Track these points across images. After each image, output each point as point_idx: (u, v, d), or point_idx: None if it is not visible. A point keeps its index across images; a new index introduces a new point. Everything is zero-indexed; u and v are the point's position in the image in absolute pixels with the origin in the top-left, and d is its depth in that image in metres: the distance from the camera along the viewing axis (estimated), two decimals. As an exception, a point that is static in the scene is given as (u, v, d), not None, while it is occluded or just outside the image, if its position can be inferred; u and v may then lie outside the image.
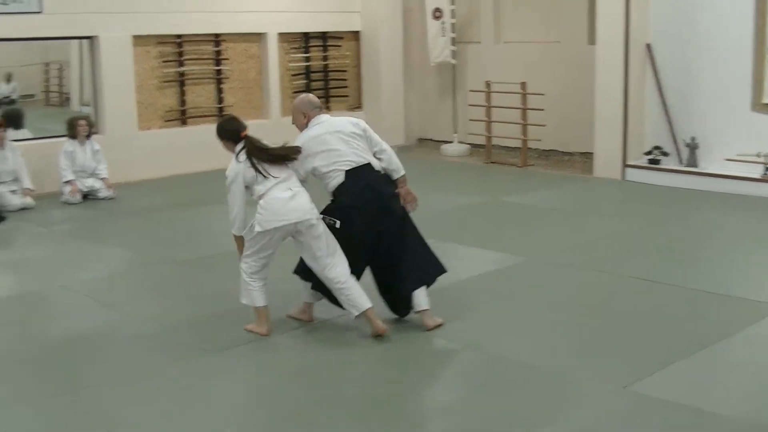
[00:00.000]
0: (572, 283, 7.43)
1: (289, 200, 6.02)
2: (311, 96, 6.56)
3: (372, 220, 6.20)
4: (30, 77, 18.53)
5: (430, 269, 6.48)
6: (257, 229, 6.01)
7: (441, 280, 6.68)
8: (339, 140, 6.24)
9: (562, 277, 7.56)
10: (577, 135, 12.99)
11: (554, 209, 10.26)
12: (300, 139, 6.34)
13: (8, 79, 17.87)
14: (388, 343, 6.04)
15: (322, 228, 6.11)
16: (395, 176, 6.44)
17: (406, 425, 4.86)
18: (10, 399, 5.28)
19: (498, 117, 13.43)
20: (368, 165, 6.27)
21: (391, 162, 6.43)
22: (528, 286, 7.35)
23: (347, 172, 6.20)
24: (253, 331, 6.26)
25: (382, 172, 6.37)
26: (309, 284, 6.39)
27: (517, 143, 13.32)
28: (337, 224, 6.16)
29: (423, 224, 9.08)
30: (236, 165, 6.13)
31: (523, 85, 12.97)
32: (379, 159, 6.36)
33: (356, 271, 6.23)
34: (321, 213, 6.25)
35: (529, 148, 13.33)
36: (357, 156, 6.23)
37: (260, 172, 6.06)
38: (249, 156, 6.11)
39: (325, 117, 6.42)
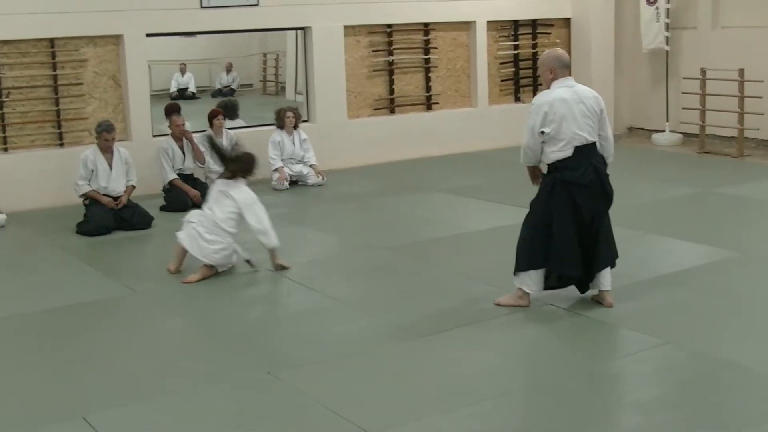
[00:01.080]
0: (788, 280, 7.06)
1: None
2: (561, 52, 6.50)
3: (591, 199, 6.29)
4: (249, 67, 19.37)
5: (615, 252, 6.61)
6: None
7: (648, 272, 6.55)
8: (581, 112, 6.23)
9: (777, 274, 7.19)
10: (799, 124, 12.30)
11: (772, 202, 9.76)
12: (547, 98, 6.27)
13: (229, 69, 18.72)
14: (581, 335, 5.93)
15: None
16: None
17: (603, 419, 4.75)
18: (217, 375, 5.54)
19: (713, 105, 12.90)
20: (594, 144, 6.32)
21: (606, 150, 6.46)
22: (740, 284, 7.03)
23: (576, 147, 6.22)
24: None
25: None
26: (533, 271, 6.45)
27: (733, 132, 12.75)
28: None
29: (632, 215, 8.88)
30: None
31: (741, 71, 12.39)
32: (599, 144, 6.39)
33: (567, 248, 6.30)
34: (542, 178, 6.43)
35: (746, 138, 12.73)
36: (589, 134, 6.27)
37: None
38: None
39: (572, 81, 6.36)
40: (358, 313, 6.65)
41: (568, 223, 6.30)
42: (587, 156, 6.28)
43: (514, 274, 6.53)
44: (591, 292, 6.60)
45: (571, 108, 6.19)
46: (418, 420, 4.84)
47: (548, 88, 6.37)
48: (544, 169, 6.50)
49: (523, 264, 6.47)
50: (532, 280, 6.47)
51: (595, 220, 6.36)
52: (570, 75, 6.38)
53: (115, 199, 9.47)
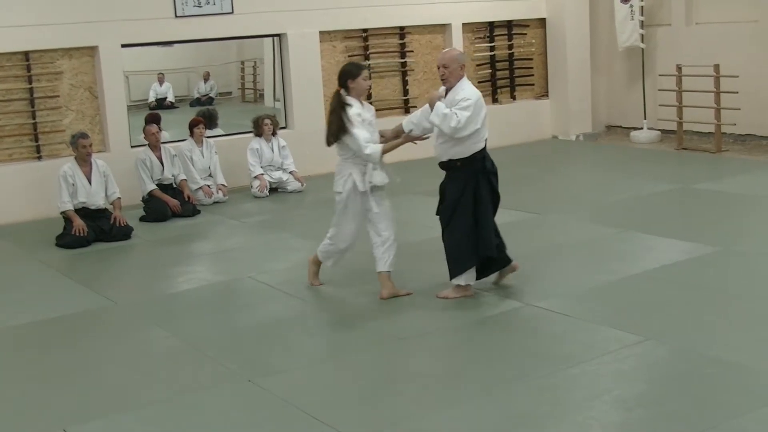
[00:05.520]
0: None
1: None
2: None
3: (497, 185, 6.77)
4: (227, 75, 19.32)
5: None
6: None
7: (628, 269, 6.66)
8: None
9: (757, 269, 7.22)
10: (775, 118, 12.38)
11: (750, 197, 9.79)
12: (478, 93, 6.64)
13: (206, 78, 18.68)
14: (565, 334, 5.95)
15: None
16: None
17: (583, 417, 4.76)
18: (198, 385, 5.53)
19: (690, 101, 12.96)
20: None
21: None
22: (719, 278, 7.07)
23: (486, 140, 6.67)
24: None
25: None
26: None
27: (711, 128, 12.81)
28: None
29: (612, 213, 8.94)
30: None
31: (717, 67, 12.45)
32: None
33: (489, 230, 6.69)
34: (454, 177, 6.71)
35: (724, 133, 12.81)
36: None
37: None
38: None
39: None
40: (339, 318, 6.66)
41: (489, 210, 6.70)
42: (486, 148, 6.73)
43: (451, 279, 6.78)
44: (492, 277, 7.00)
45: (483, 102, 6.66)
46: (399, 423, 4.85)
47: (453, 84, 6.63)
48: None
49: (459, 269, 6.72)
50: (469, 275, 6.76)
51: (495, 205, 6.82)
52: None
53: (97, 211, 9.43)
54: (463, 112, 6.44)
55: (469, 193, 6.62)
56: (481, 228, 6.65)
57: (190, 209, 10.37)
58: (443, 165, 6.74)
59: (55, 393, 5.55)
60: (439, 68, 6.71)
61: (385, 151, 6.75)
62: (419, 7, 13.31)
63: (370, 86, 7.01)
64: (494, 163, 6.78)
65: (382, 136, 6.96)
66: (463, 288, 6.80)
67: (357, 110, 6.78)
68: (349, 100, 6.82)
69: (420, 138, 6.88)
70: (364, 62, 12.90)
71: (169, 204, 10.16)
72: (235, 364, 5.81)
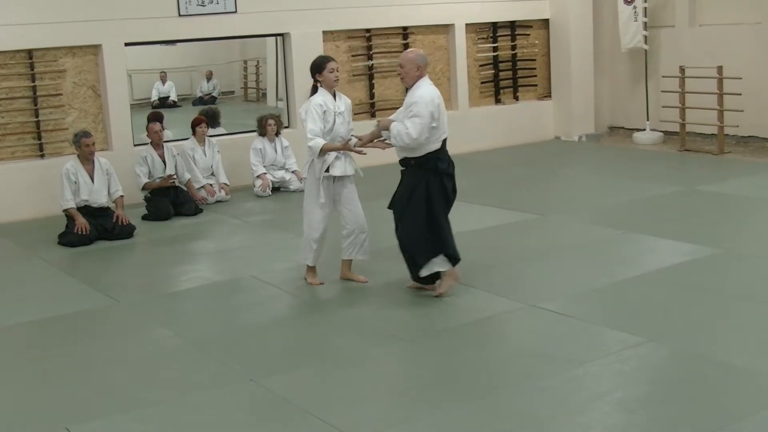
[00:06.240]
0: (770, 276, 7.09)
1: None
2: (423, 52, 6.95)
3: (454, 187, 6.87)
4: (230, 75, 19.32)
5: None
6: None
7: (630, 271, 6.65)
8: (443, 108, 6.79)
9: (760, 271, 7.21)
10: (778, 120, 12.38)
11: (753, 199, 9.78)
12: (433, 93, 6.69)
13: (209, 77, 18.68)
14: (567, 335, 5.95)
15: None
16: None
17: (585, 418, 4.76)
18: (201, 384, 5.53)
19: (693, 103, 12.95)
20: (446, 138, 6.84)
21: None
22: (721, 280, 7.06)
23: (443, 141, 6.75)
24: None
25: None
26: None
27: (713, 130, 12.81)
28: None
29: (614, 214, 8.94)
30: None
31: (720, 69, 12.45)
32: None
33: (447, 230, 6.79)
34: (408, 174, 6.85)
35: (727, 135, 12.80)
36: (446, 128, 6.80)
37: None
38: None
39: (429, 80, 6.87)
40: (341, 318, 6.65)
41: (442, 211, 6.77)
42: (445, 148, 6.79)
43: (420, 272, 6.86)
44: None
45: (441, 103, 6.72)
46: (401, 423, 4.85)
47: (411, 85, 6.77)
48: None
49: (419, 262, 6.82)
50: (438, 263, 6.83)
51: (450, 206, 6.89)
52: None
53: (99, 210, 9.44)
54: (413, 121, 6.59)
55: (420, 192, 6.73)
56: (439, 228, 6.76)
57: (192, 208, 10.37)
58: (401, 162, 6.94)
59: (57, 392, 5.56)
60: (397, 67, 6.93)
61: (325, 149, 7.00)
62: (422, 8, 13.31)
63: (338, 78, 7.21)
64: (452, 164, 6.85)
65: (359, 139, 7.18)
66: (451, 274, 6.90)
67: (320, 101, 7.06)
68: (319, 96, 7.12)
69: (359, 151, 7.08)
70: (367, 62, 12.93)
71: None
72: (237, 364, 5.81)
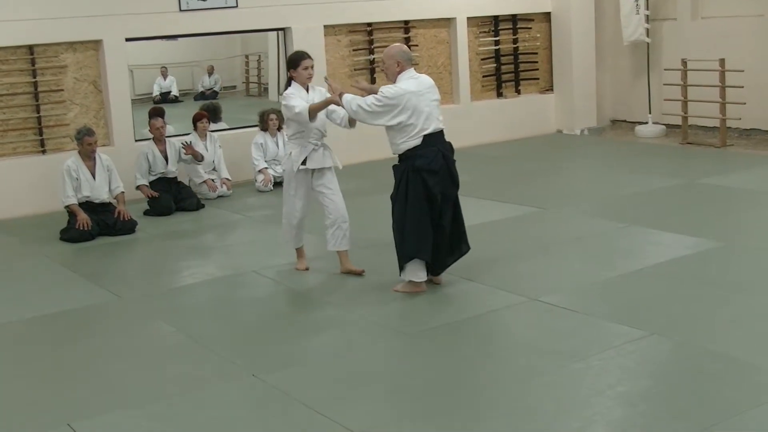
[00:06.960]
0: (772, 269, 7.08)
1: None
2: (405, 47, 6.87)
3: (441, 184, 6.58)
4: (231, 69, 19.35)
5: (467, 241, 7.01)
6: None
7: (632, 264, 6.67)
8: (428, 102, 6.60)
9: (762, 264, 7.20)
10: (781, 113, 12.35)
11: (756, 192, 9.77)
12: (399, 89, 6.55)
13: (211, 71, 18.68)
14: (569, 329, 5.95)
15: None
16: None
17: (587, 412, 4.76)
18: (203, 379, 5.53)
19: (695, 96, 12.93)
20: (441, 132, 6.66)
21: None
22: (724, 273, 7.05)
23: (425, 136, 6.55)
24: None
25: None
26: None
27: (716, 123, 12.79)
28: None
29: (616, 207, 8.92)
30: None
31: (722, 62, 12.42)
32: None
33: (423, 232, 6.62)
34: (394, 169, 6.77)
35: (729, 128, 12.78)
36: (435, 122, 6.62)
37: None
38: None
39: (414, 72, 6.73)
40: (344, 313, 6.65)
41: (423, 210, 6.59)
42: (435, 143, 6.60)
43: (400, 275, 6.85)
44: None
45: (420, 98, 6.53)
46: (403, 419, 4.84)
47: (393, 80, 6.68)
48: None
49: (400, 260, 6.79)
50: (413, 270, 6.75)
51: (443, 206, 6.65)
52: (412, 67, 6.74)
53: (101, 206, 9.43)
54: (371, 100, 6.59)
55: (401, 190, 6.69)
56: (414, 230, 6.65)
57: (194, 203, 10.37)
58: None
59: (59, 388, 5.56)
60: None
61: (311, 109, 7.01)
62: (424, 1, 13.28)
63: (311, 76, 7.27)
64: (434, 161, 6.57)
65: (361, 89, 7.23)
66: (415, 284, 6.82)
67: (292, 92, 7.14)
68: (292, 88, 7.20)
69: (336, 101, 6.96)
70: (368, 56, 12.91)
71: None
72: (240, 359, 5.81)
